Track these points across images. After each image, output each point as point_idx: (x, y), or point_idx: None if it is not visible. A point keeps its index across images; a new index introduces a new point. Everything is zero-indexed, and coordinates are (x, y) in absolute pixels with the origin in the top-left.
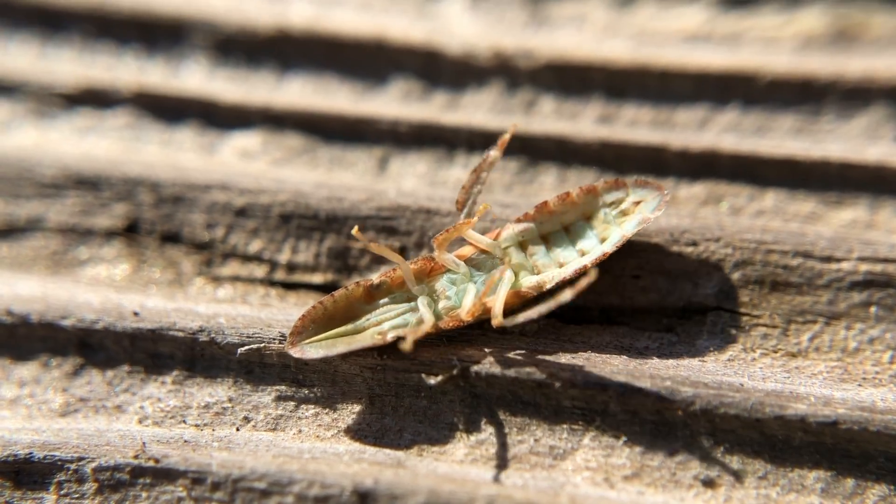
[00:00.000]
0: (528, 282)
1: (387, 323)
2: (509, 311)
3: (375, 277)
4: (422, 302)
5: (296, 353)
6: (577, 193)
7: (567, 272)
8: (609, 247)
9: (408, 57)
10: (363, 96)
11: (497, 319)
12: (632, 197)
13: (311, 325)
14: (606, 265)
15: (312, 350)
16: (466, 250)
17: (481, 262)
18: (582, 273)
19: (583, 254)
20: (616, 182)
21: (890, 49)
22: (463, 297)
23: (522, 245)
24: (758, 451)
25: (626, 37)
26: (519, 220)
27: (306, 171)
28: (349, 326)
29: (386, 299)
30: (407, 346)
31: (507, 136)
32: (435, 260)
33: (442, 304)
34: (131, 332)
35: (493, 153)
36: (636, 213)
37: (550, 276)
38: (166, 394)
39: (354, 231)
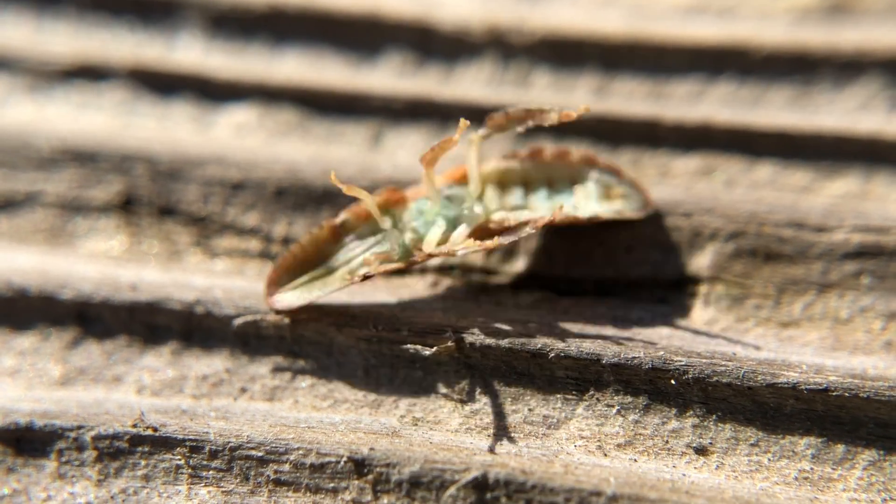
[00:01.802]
0: (496, 216)
1: (356, 260)
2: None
3: (339, 216)
4: (390, 235)
5: (276, 303)
6: (575, 155)
7: (536, 216)
8: (582, 214)
9: (401, 31)
10: (357, 71)
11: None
12: (620, 188)
13: (285, 275)
14: (600, 237)
15: (291, 296)
16: (440, 179)
17: (454, 195)
18: (549, 224)
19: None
20: (615, 169)
21: (884, 21)
22: (430, 229)
23: (502, 183)
24: (750, 418)
25: (620, 10)
26: (506, 158)
27: (301, 145)
28: (322, 269)
29: (352, 236)
30: (373, 269)
31: (574, 114)
32: (398, 190)
33: (409, 236)
34: (129, 304)
35: (553, 115)
36: (617, 202)
37: (518, 216)
38: (164, 365)
39: (333, 177)
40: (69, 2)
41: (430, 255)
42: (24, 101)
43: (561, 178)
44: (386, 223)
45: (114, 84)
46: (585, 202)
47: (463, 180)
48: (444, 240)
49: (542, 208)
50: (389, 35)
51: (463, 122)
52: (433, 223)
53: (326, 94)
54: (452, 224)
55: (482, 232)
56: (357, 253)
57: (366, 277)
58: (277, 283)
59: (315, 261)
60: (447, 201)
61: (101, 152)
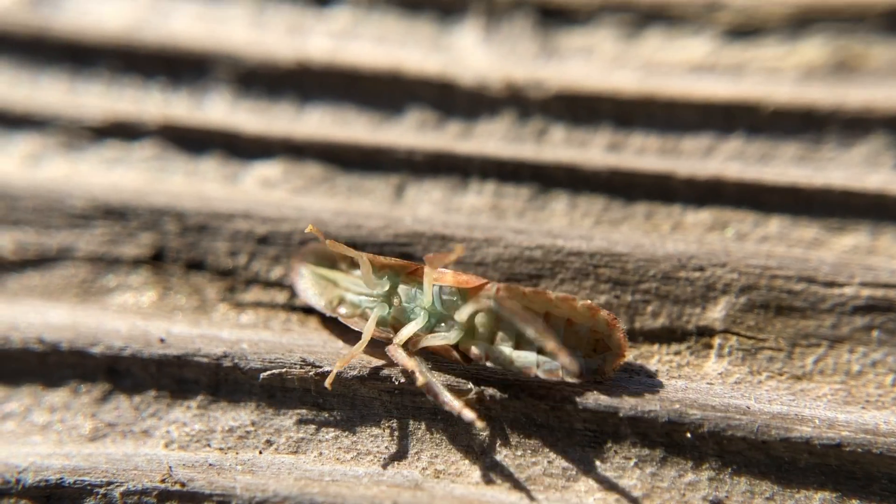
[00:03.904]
0: (473, 348)
1: (350, 294)
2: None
3: (364, 254)
4: (378, 307)
5: (295, 272)
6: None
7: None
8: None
9: (423, 88)
10: (380, 126)
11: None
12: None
13: (312, 257)
14: (619, 291)
15: (302, 281)
16: (449, 279)
17: (447, 303)
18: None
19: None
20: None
21: (889, 79)
22: (408, 322)
23: (498, 317)
24: (764, 472)
25: (633, 68)
26: (520, 291)
27: (326, 199)
28: (330, 276)
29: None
30: (345, 317)
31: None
32: (417, 266)
33: (394, 312)
34: (158, 358)
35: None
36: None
37: (482, 351)
38: (191, 418)
39: (309, 228)
40: (102, 62)
41: (391, 340)
42: (58, 158)
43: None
44: (380, 287)
45: (144, 141)
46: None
47: (464, 290)
48: (414, 337)
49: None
50: (411, 92)
51: (459, 248)
52: (416, 315)
53: (350, 149)
54: (427, 327)
55: (449, 350)
56: (353, 290)
57: (340, 317)
58: (304, 257)
59: (331, 265)
60: (440, 305)
61: (132, 208)
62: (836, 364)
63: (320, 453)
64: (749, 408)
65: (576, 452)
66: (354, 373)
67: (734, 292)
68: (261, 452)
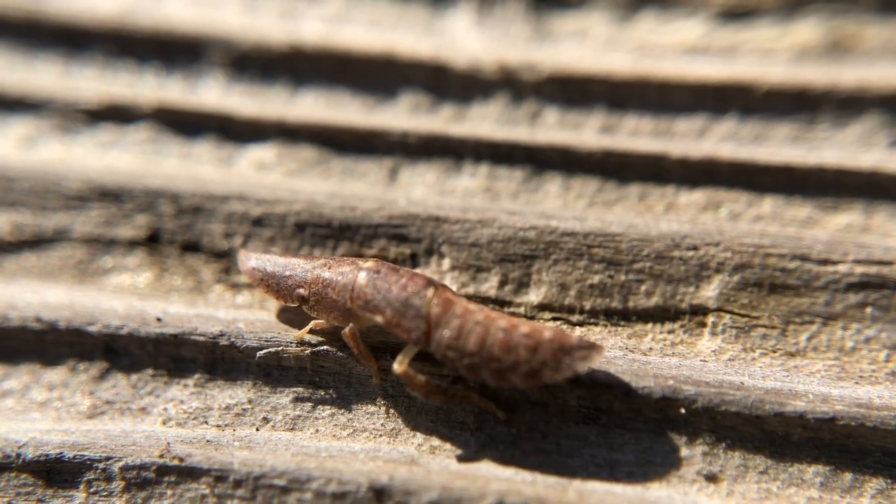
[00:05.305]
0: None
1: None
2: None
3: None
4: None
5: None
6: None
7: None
8: None
9: (416, 71)
10: (374, 109)
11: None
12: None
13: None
14: (613, 271)
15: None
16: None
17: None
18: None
19: None
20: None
21: (882, 59)
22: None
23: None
24: (758, 446)
25: (626, 50)
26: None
27: (320, 181)
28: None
29: None
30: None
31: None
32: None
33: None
34: (155, 337)
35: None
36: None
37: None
38: (188, 396)
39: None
40: (96, 46)
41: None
42: (53, 141)
43: None
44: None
45: (139, 124)
46: None
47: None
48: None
49: None
50: (404, 75)
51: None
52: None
53: (344, 132)
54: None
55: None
56: None
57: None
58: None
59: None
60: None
61: (127, 190)
62: (830, 341)
63: (317, 430)
64: (743, 383)
65: (570, 429)
66: (349, 351)
67: (728, 271)
68: (258, 429)
